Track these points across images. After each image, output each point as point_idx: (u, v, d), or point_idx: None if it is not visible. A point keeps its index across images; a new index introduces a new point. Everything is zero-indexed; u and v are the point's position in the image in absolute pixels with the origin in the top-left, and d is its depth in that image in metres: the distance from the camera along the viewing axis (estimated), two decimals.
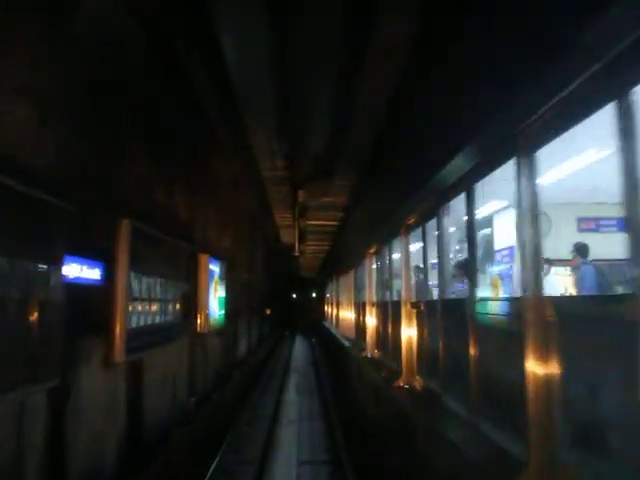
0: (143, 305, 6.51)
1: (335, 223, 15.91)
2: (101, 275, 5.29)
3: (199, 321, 9.87)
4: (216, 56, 6.57)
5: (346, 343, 13.81)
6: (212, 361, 11.44)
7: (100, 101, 5.27)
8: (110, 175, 5.56)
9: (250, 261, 19.17)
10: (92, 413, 5.13)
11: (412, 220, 6.27)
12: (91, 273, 5.10)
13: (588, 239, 7.46)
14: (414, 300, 6.46)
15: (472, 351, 3.97)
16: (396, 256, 7.99)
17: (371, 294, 9.88)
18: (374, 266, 9.67)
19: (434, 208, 5.17)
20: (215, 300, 10.92)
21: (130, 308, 5.94)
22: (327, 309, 27.87)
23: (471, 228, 4.38)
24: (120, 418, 5.83)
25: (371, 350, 9.60)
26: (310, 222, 15.20)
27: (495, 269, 10.11)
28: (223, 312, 11.97)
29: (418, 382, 5.90)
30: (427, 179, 4.98)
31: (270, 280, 29.61)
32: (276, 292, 34.75)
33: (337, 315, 20.09)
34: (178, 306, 8.06)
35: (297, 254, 20.70)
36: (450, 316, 4.77)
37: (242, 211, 16.16)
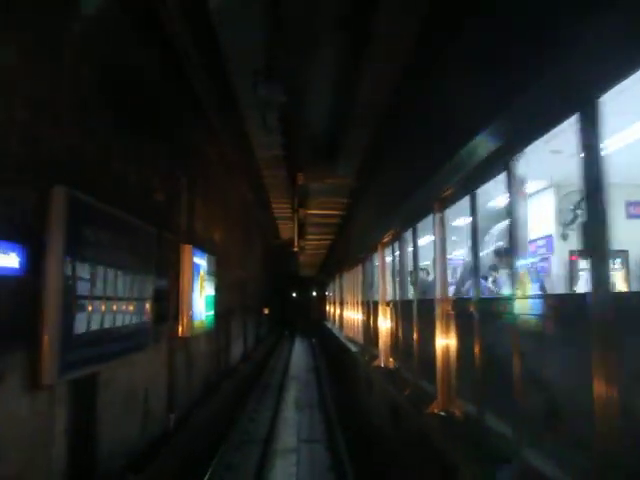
0: (98, 304, 4.96)
1: (339, 212, 14.35)
2: (21, 263, 3.75)
3: (181, 323, 8.34)
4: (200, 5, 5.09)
5: (352, 348, 12.27)
6: (199, 369, 9.90)
7: None
8: (38, 124, 4.02)
9: (245, 257, 17.63)
10: (8, 456, 3.61)
11: (449, 191, 4.73)
12: (3, 260, 3.56)
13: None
14: (454, 298, 4.95)
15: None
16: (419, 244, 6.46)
17: (385, 291, 8.35)
18: (390, 258, 8.14)
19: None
20: (202, 299, 9.39)
21: (75, 308, 4.41)
22: (329, 309, 26.30)
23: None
24: (54, 457, 4.29)
25: (385, 359, 8.06)
26: (311, 211, 13.68)
27: (524, 262, 8.60)
28: (212, 312, 10.44)
29: (460, 409, 4.37)
30: (458, 148, 3.60)
31: (268, 278, 28.09)
32: (274, 291, 33.27)
33: (340, 315, 18.54)
34: (151, 306, 6.51)
35: (296, 249, 19.23)
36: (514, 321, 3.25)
37: (235, 199, 14.61)
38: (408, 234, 6.71)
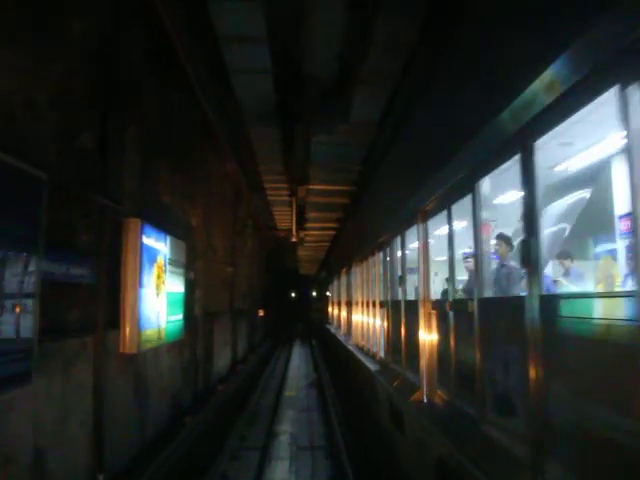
0: None
1: (348, 188, 11.53)
2: None
3: (123, 333, 5.60)
4: None
5: (368, 364, 9.48)
6: (159, 395, 7.16)
7: None
8: None
9: (235, 249, 14.87)
10: None
11: None
12: None
13: None
14: None
15: None
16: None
17: (428, 286, 5.60)
18: (424, 242, 5.42)
19: None
20: (160, 298, 6.64)
21: None
22: (332, 311, 23.47)
23: None
24: None
25: (431, 386, 5.29)
26: (314, 187, 10.91)
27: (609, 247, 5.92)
28: (180, 317, 7.70)
29: None
30: None
31: (263, 277, 25.36)
32: (271, 291, 30.57)
33: (347, 319, 15.73)
34: (37, 308, 3.75)
35: (294, 239, 16.49)
36: None
37: (221, 175, 11.86)
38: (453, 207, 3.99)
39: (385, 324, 8.46)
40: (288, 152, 8.43)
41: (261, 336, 22.94)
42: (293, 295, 45.44)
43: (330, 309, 24.27)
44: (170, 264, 7.04)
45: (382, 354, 8.73)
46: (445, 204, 4.97)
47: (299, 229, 16.72)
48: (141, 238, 5.82)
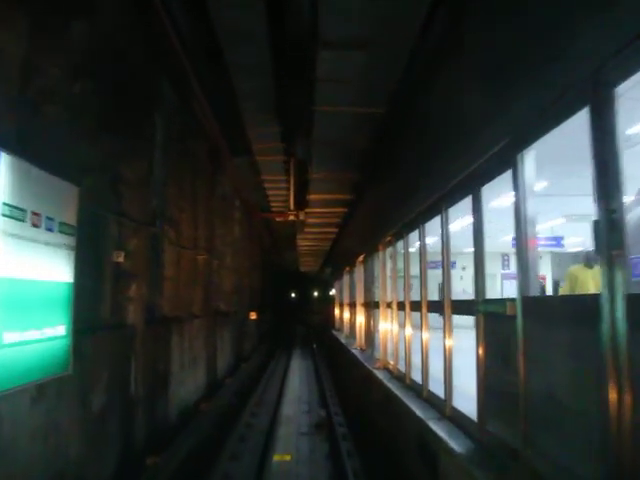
0: None
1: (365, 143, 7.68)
2: None
3: None
4: None
5: (408, 402, 5.66)
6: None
7: None
8: None
9: (212, 233, 11.04)
10: None
11: None
12: None
13: None
14: None
15: None
16: None
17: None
18: None
19: None
20: None
21: None
22: (342, 314, 19.45)
23: None
24: None
25: None
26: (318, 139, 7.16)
27: None
28: (63, 329, 3.85)
29: None
30: None
31: (258, 274, 21.53)
32: (266, 290, 26.83)
33: (367, 327, 11.81)
34: None
35: (293, 218, 12.63)
36: None
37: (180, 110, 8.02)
38: None
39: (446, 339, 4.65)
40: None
41: (253, 344, 19.04)
42: (293, 295, 41.64)
43: (338, 312, 20.26)
44: (12, 217, 3.20)
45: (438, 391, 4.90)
46: None
47: (299, 207, 12.88)
48: None
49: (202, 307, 10.20)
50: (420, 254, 6.36)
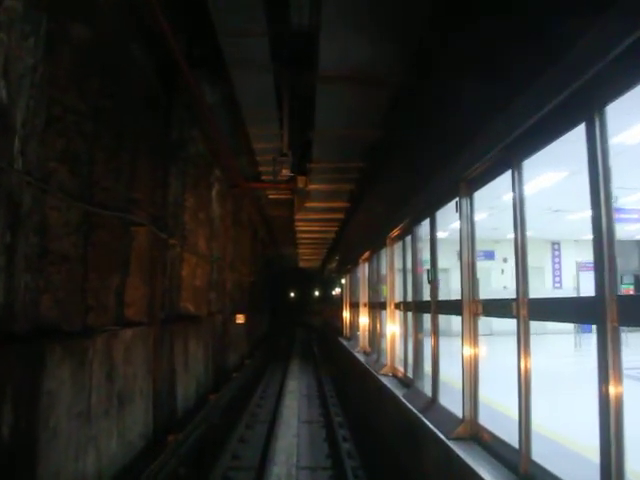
0: None
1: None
2: None
3: None
4: None
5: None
6: None
7: None
8: None
9: (167, 198, 7.39)
10: None
11: None
12: None
13: None
14: None
15: None
16: None
17: None
18: None
19: None
20: None
21: None
22: (353, 319, 15.48)
23: None
24: None
25: None
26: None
27: None
28: None
29: None
30: None
31: (248, 267, 17.90)
32: (259, 287, 23.25)
33: (416, 345, 7.86)
34: None
35: (293, 190, 9.00)
36: None
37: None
38: None
39: None
40: None
41: (241, 355, 15.31)
42: (292, 295, 38.02)
43: (346, 314, 16.50)
44: None
45: None
46: None
47: (299, 171, 9.21)
48: None
49: (146, 309, 6.58)
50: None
